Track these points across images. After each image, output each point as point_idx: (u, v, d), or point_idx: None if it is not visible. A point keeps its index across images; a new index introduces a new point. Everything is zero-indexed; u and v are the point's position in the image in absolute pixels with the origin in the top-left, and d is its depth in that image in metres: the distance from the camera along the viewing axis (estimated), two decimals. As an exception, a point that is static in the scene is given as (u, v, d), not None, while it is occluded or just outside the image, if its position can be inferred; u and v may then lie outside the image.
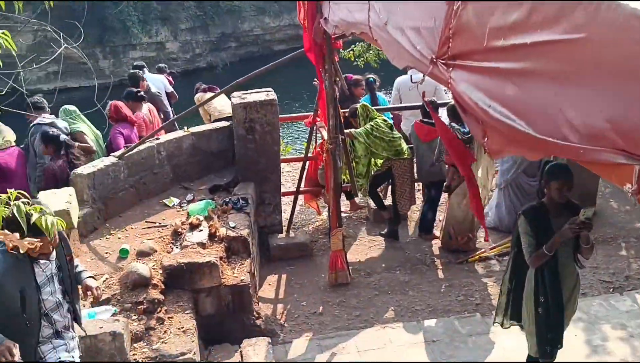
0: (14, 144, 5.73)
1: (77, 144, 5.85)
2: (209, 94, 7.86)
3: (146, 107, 6.74)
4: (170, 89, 8.35)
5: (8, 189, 2.17)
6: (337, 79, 5.04)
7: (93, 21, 20.65)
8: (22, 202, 2.20)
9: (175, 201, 5.57)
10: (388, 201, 6.38)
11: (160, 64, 8.75)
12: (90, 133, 6.02)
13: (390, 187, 6.20)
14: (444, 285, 5.37)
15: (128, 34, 20.91)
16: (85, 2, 19.66)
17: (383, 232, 6.27)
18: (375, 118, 5.86)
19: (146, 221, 5.28)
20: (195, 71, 22.49)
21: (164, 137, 5.81)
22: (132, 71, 7.75)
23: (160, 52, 22.47)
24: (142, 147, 5.52)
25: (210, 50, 23.91)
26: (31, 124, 5.77)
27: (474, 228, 5.81)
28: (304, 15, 4.81)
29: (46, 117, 5.77)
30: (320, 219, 6.66)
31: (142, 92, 6.68)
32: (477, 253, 5.76)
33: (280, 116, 5.77)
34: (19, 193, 2.20)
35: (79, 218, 4.84)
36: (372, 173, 5.97)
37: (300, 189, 6.13)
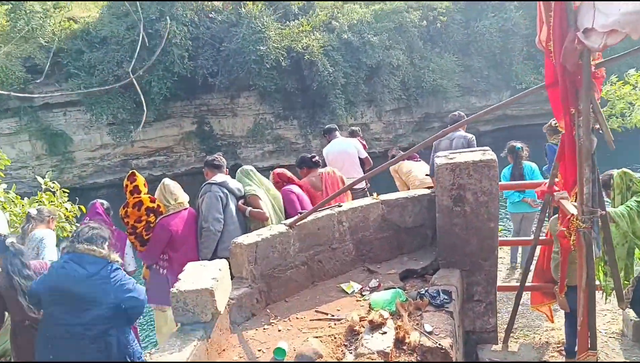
0: (187, 206, 4.91)
1: (248, 209, 4.81)
2: (408, 163, 6.50)
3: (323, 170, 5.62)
4: (365, 154, 7.16)
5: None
6: (597, 126, 3.24)
7: (306, 103, 21.11)
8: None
9: (356, 286, 4.12)
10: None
11: (352, 127, 7.65)
12: (266, 198, 4.96)
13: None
14: None
15: (335, 115, 20.90)
16: (296, 88, 20.26)
17: (654, 360, 4.06)
18: (642, 192, 3.86)
19: (316, 311, 3.88)
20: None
21: (348, 204, 4.46)
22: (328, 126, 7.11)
23: (364, 132, 22.09)
24: (319, 214, 4.23)
25: (412, 130, 22.92)
26: (203, 184, 4.90)
27: None
28: (547, 33, 3.18)
29: (218, 177, 4.86)
30: (552, 328, 4.64)
31: (317, 158, 5.58)
32: None
33: (500, 182, 4.07)
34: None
35: (232, 299, 3.63)
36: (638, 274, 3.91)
37: (527, 284, 4.27)
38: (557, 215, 4.07)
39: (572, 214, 3.27)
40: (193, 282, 3.27)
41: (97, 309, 3.65)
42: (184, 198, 4.84)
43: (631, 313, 4.32)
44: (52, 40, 18.79)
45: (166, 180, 4.90)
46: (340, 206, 4.38)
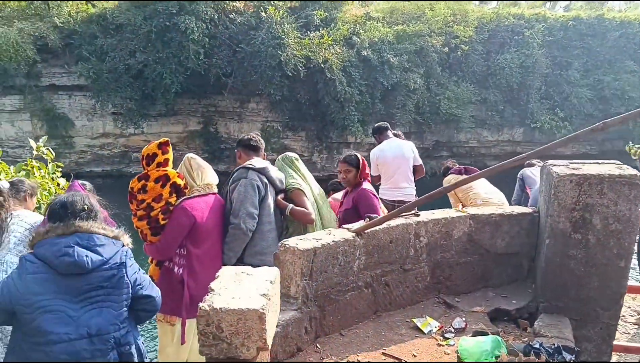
0: (215, 190, 3.72)
1: (290, 206, 3.67)
2: (465, 177, 5.39)
3: None
4: (420, 160, 6.04)
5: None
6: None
7: (316, 117, 20.10)
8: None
9: (434, 324, 2.98)
10: None
11: (394, 131, 6.42)
12: (312, 194, 3.83)
13: None
14: None
15: (345, 132, 19.87)
16: (308, 100, 19.21)
17: None
18: None
19: (384, 353, 2.73)
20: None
21: (428, 214, 3.33)
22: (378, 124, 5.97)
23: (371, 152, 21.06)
24: (392, 223, 3.10)
25: (421, 156, 21.80)
26: (236, 168, 3.74)
27: None
28: None
29: (257, 162, 3.71)
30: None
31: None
32: None
33: (641, 208, 2.98)
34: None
35: (277, 326, 2.48)
36: None
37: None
38: None
39: None
40: (234, 297, 2.12)
41: (110, 311, 2.46)
42: (213, 178, 3.66)
43: None
44: (67, 22, 17.88)
45: (191, 154, 3.76)
46: (418, 215, 3.25)
